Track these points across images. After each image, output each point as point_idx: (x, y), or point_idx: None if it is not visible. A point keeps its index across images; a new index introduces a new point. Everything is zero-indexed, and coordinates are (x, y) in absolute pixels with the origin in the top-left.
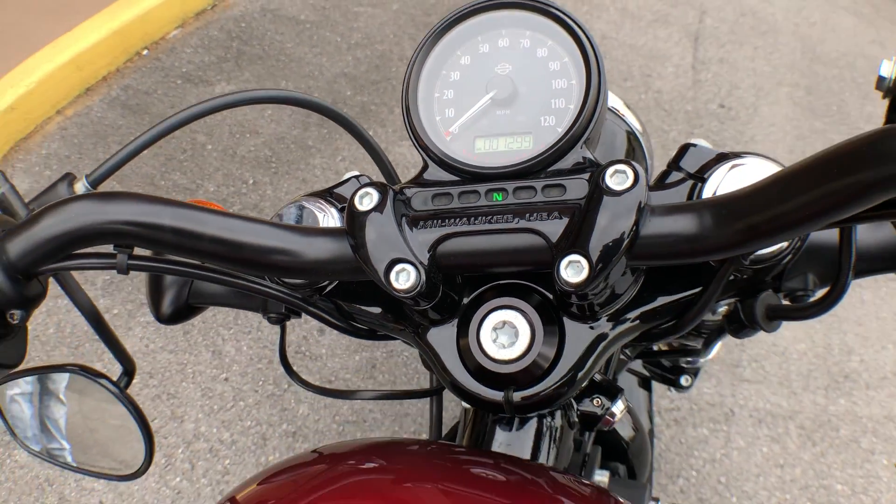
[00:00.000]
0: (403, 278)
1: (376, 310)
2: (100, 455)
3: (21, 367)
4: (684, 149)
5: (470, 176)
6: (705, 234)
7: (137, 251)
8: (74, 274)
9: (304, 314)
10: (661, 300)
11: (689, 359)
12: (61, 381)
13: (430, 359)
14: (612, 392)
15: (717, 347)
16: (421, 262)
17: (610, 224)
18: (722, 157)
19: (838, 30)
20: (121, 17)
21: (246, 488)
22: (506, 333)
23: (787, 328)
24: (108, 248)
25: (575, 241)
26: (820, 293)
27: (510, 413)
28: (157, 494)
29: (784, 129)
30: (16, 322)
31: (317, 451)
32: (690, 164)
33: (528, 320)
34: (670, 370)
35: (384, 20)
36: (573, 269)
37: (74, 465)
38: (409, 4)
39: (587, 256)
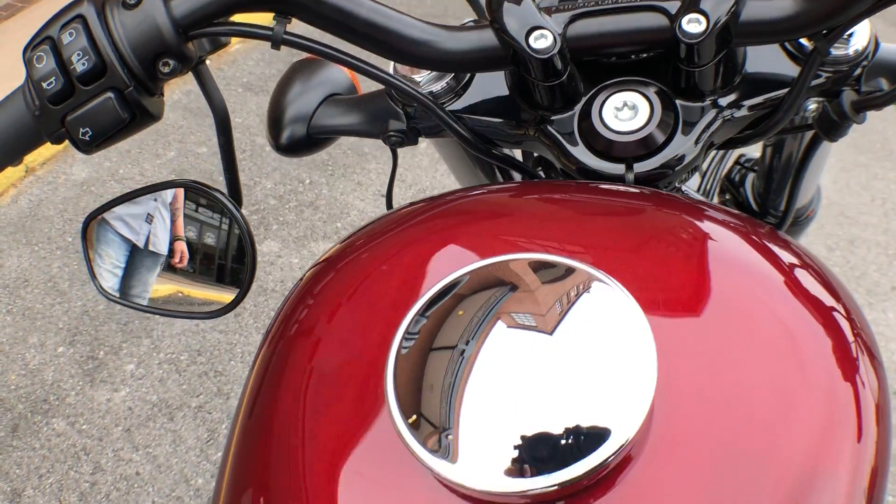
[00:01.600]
0: (542, 42)
1: (498, 121)
2: (184, 298)
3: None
4: None
5: None
6: (804, 7)
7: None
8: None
9: (420, 140)
10: (759, 96)
11: None
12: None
13: (553, 147)
14: None
15: None
16: (557, 32)
17: None
18: None
19: None
20: None
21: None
22: (626, 113)
23: None
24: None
25: (691, 6)
26: None
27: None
28: (197, 468)
29: (828, 162)
30: (166, 72)
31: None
32: None
33: (647, 99)
34: None
35: None
36: (694, 24)
37: (154, 307)
38: None
39: (705, 13)
